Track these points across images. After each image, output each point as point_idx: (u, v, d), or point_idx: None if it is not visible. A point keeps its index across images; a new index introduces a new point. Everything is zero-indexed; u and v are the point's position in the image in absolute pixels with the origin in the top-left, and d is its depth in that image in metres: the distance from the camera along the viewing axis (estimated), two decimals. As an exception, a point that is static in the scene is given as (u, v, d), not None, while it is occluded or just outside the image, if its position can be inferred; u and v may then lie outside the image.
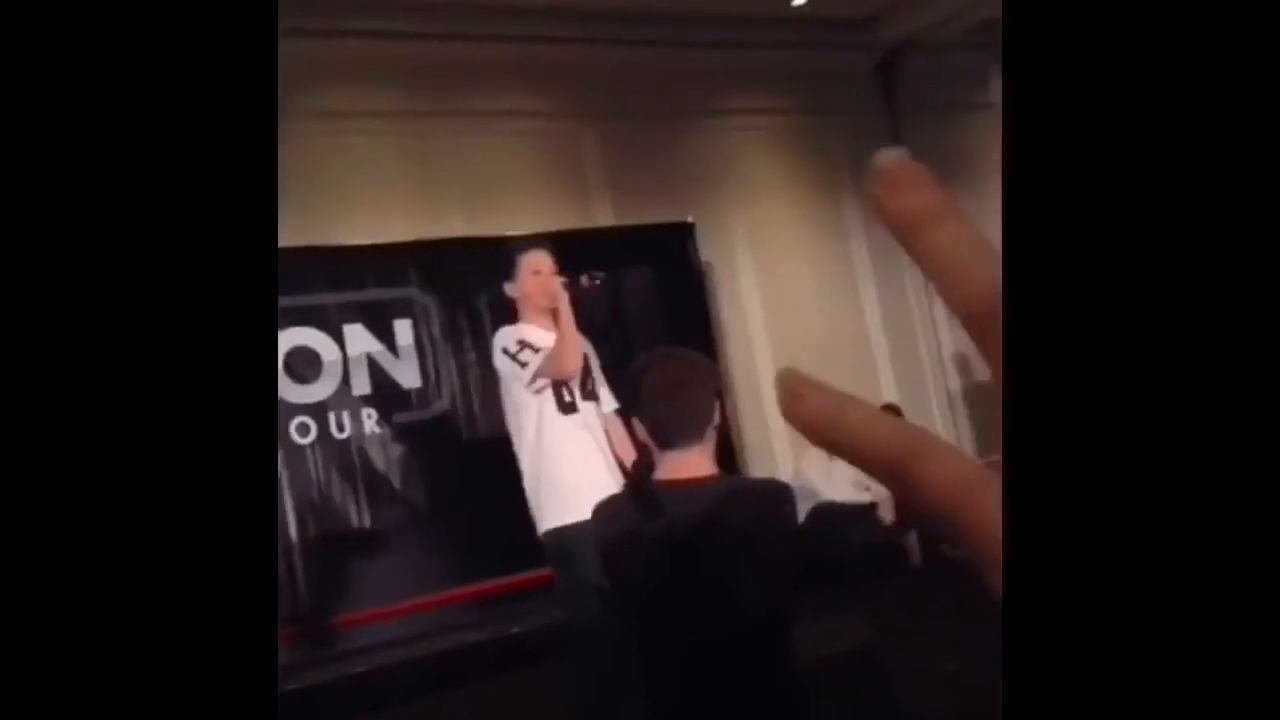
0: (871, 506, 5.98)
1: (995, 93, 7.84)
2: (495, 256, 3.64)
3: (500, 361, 3.25)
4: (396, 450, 5.60)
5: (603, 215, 6.34)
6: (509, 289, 3.35)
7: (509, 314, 3.43)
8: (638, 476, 1.76)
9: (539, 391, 3.16)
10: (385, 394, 5.62)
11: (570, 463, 3.12)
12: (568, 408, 3.20)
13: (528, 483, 3.20)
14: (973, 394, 7.40)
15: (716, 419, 1.76)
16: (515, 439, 3.26)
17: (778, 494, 1.74)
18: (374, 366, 5.62)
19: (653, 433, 1.72)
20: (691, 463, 1.71)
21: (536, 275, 3.25)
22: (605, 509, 1.85)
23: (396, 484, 5.57)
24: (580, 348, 3.21)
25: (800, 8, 6.79)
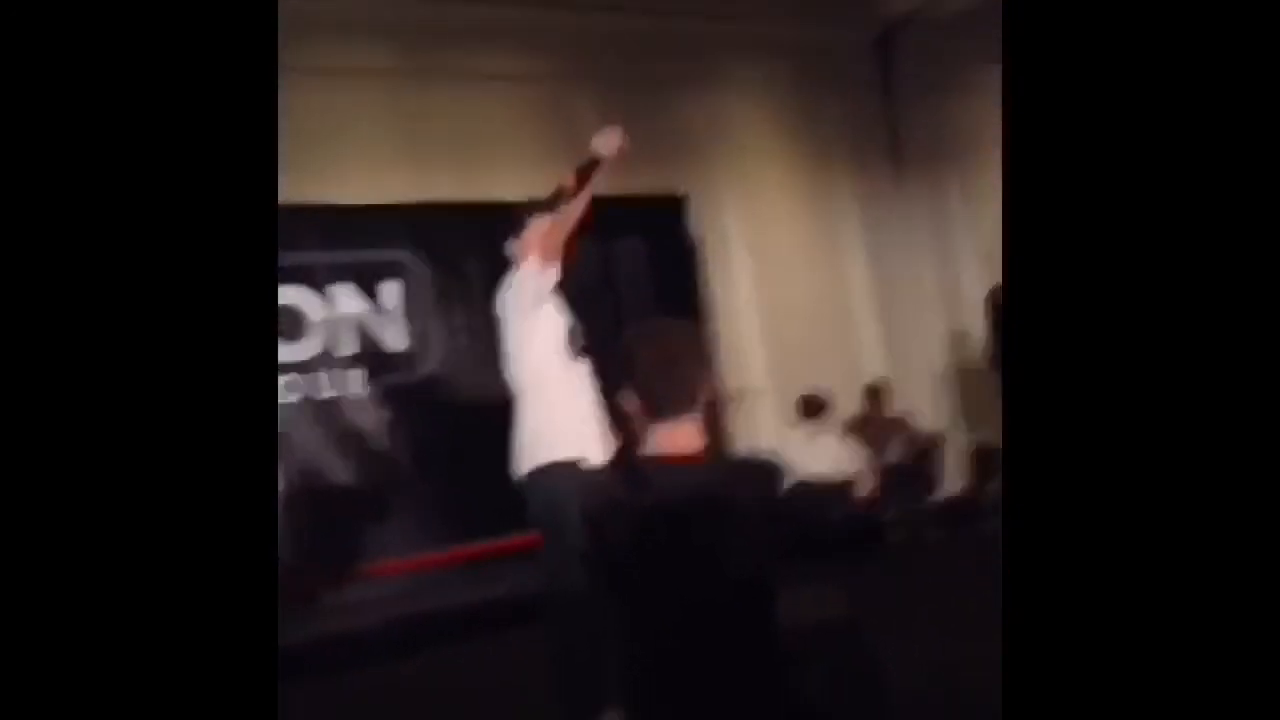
0: (850, 484, 6.02)
1: (990, 75, 7.80)
2: (495, 220, 3.64)
3: (506, 284, 3.26)
4: (382, 413, 5.60)
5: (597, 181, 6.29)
6: (510, 245, 3.35)
7: (504, 275, 3.42)
8: (627, 449, 1.77)
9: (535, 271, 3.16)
10: (372, 356, 5.61)
11: (570, 403, 3.14)
12: (578, 352, 3.24)
13: (522, 420, 3.20)
14: (959, 373, 7.43)
15: (708, 392, 1.77)
16: (514, 375, 3.26)
17: (768, 474, 1.75)
18: (362, 328, 5.61)
19: (645, 404, 1.73)
20: (682, 434, 1.72)
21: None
22: (594, 478, 1.86)
23: (381, 446, 5.58)
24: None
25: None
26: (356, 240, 5.64)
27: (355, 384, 5.55)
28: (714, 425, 1.91)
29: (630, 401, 1.76)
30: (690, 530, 1.68)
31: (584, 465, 3.07)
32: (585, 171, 3.23)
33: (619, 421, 3.17)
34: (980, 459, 7.03)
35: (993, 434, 6.57)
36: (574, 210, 3.22)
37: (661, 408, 1.73)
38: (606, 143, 3.23)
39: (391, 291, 5.73)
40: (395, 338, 5.72)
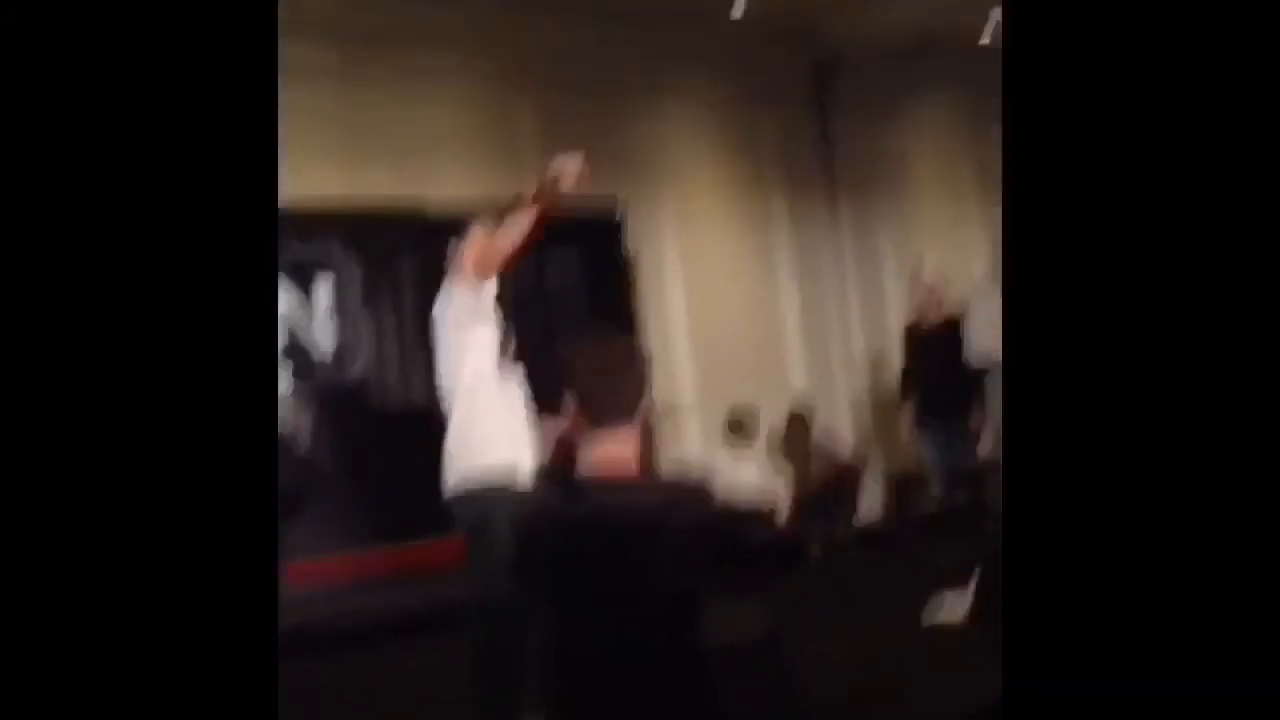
0: (771, 505, 6.09)
1: (925, 104, 8.02)
2: (429, 223, 3.62)
3: (444, 292, 3.25)
4: (306, 414, 5.51)
5: (532, 186, 6.27)
6: (453, 254, 3.33)
7: (436, 279, 3.40)
8: (561, 463, 1.78)
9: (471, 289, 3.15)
10: (299, 356, 5.52)
11: (502, 413, 3.14)
12: (510, 362, 3.24)
13: (453, 430, 3.18)
14: (879, 398, 7.58)
15: (645, 403, 1.80)
16: (446, 385, 3.24)
17: (701, 497, 1.78)
18: (289, 327, 5.52)
19: (583, 411, 1.75)
20: (618, 447, 1.74)
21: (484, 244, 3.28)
22: (526, 490, 1.87)
23: (304, 448, 5.49)
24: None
25: (738, 21, 6.75)
26: (287, 239, 5.55)
27: (281, 384, 5.45)
28: (648, 439, 1.94)
29: (568, 408, 1.78)
30: (621, 547, 1.70)
31: (516, 476, 3.07)
32: (543, 193, 3.23)
33: (552, 432, 3.19)
34: (897, 484, 7.17)
35: (908, 460, 6.71)
36: (524, 228, 3.22)
37: (602, 414, 1.75)
38: (568, 170, 3.24)
39: (321, 292, 5.65)
40: (323, 338, 5.64)
